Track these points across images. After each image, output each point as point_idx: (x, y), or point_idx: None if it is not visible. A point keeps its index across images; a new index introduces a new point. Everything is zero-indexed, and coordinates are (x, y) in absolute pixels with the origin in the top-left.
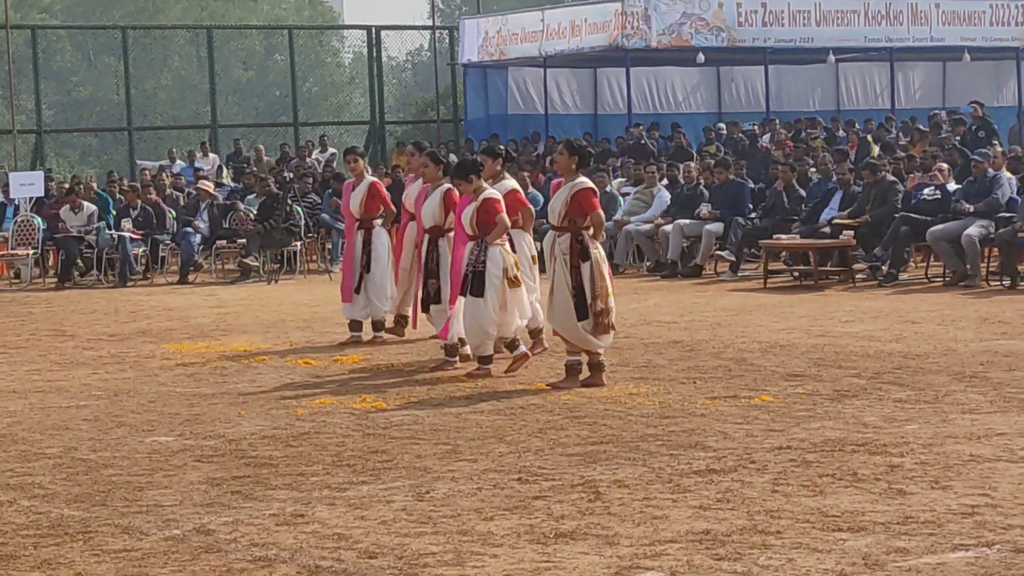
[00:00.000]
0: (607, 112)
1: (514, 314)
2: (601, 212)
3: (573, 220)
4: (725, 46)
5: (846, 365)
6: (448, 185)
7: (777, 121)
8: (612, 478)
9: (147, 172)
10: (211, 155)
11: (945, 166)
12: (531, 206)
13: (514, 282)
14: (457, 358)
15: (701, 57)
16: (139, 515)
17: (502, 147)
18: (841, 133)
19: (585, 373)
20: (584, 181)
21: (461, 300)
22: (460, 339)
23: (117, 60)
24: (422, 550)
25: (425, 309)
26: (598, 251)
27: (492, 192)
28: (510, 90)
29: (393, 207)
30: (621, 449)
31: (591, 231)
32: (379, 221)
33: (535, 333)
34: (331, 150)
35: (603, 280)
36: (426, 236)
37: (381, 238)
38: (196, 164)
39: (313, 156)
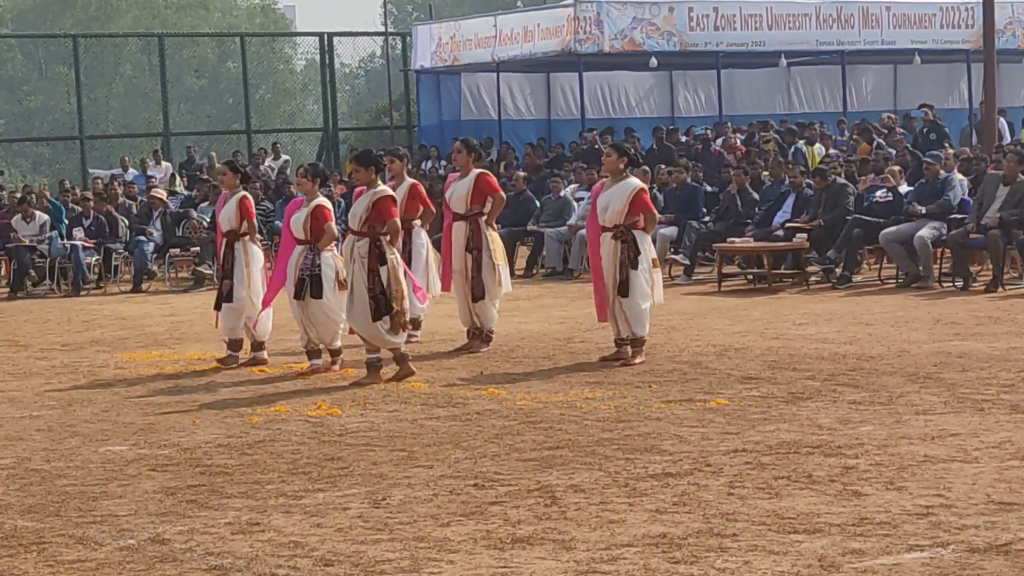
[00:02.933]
0: (560, 117)
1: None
2: (397, 221)
3: (372, 225)
4: (677, 50)
5: (800, 367)
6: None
7: (730, 125)
8: (568, 483)
9: (99, 181)
10: (164, 163)
11: (897, 168)
12: (431, 207)
13: (342, 285)
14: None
15: (654, 62)
16: (93, 525)
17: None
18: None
19: (394, 368)
20: (384, 189)
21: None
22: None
23: (68, 69)
24: (378, 557)
25: (218, 307)
26: (394, 256)
27: (323, 200)
28: (463, 96)
29: (433, 207)
30: (577, 454)
31: (388, 237)
32: (418, 222)
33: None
34: (284, 157)
35: (399, 283)
36: (224, 239)
37: (421, 237)
38: (149, 172)
39: (266, 163)
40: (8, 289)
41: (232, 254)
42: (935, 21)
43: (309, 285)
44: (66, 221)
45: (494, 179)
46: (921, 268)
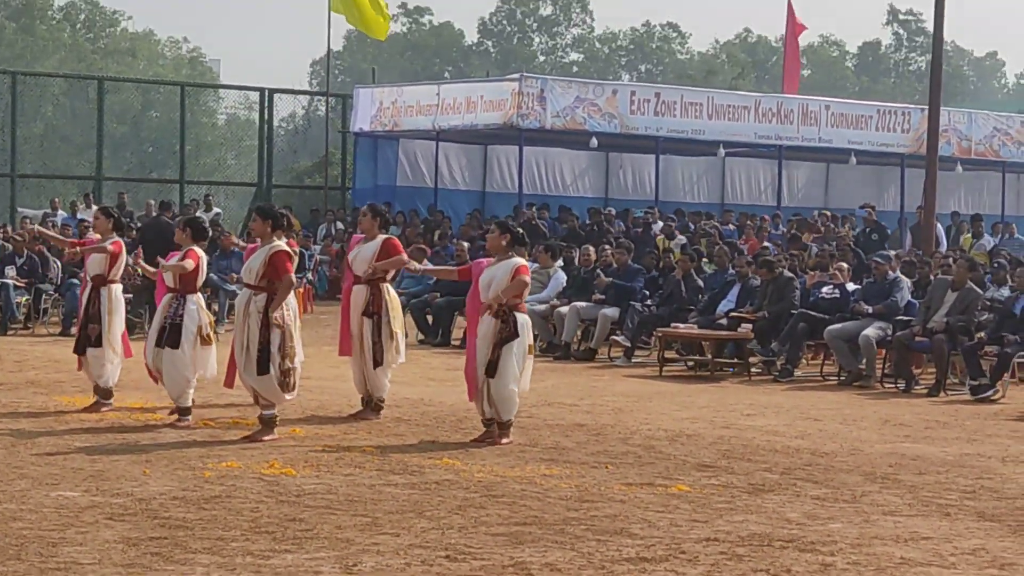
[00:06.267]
0: (495, 190)
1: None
2: (292, 277)
3: (270, 280)
4: (617, 132)
5: (755, 459)
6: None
7: (671, 212)
8: (543, 560)
9: (28, 220)
10: (94, 207)
11: (845, 266)
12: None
13: (206, 340)
14: (111, 401)
15: (594, 141)
16: (57, 572)
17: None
18: (731, 227)
19: (256, 426)
20: (280, 244)
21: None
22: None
23: None
24: None
25: (81, 351)
26: (290, 312)
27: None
28: (400, 162)
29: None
30: (546, 531)
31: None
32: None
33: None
34: (216, 209)
35: (291, 340)
36: (89, 284)
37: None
38: (79, 215)
39: (199, 214)
40: None
41: (99, 298)
42: (872, 123)
43: (168, 334)
44: None
45: (400, 244)
46: (864, 367)
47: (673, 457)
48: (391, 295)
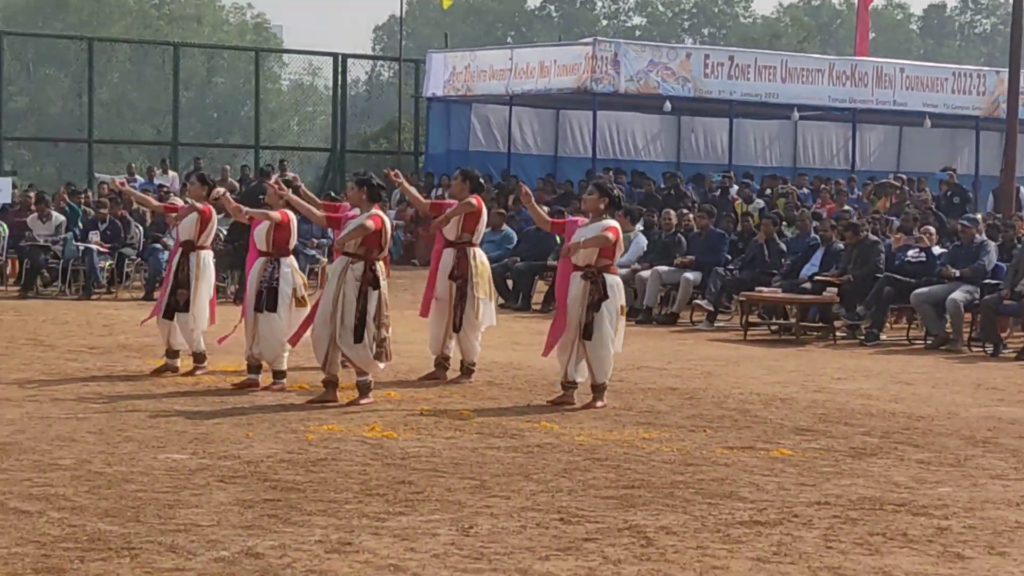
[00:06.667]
0: (567, 154)
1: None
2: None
3: (368, 248)
4: (691, 96)
5: (852, 423)
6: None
7: (741, 176)
8: (657, 524)
9: (105, 186)
10: (171, 172)
11: (932, 229)
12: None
13: (300, 302)
14: (205, 365)
15: (668, 105)
16: (179, 534)
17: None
18: (805, 190)
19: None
20: (378, 213)
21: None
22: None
23: (58, 71)
24: None
25: (169, 316)
26: (386, 283)
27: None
28: (472, 126)
29: None
30: (655, 495)
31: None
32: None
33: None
34: (291, 174)
35: (387, 310)
36: (179, 249)
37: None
38: (156, 181)
39: (273, 179)
40: (18, 288)
41: (188, 263)
42: (947, 86)
43: (265, 298)
44: (80, 224)
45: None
46: (951, 331)
47: (769, 421)
48: (479, 260)
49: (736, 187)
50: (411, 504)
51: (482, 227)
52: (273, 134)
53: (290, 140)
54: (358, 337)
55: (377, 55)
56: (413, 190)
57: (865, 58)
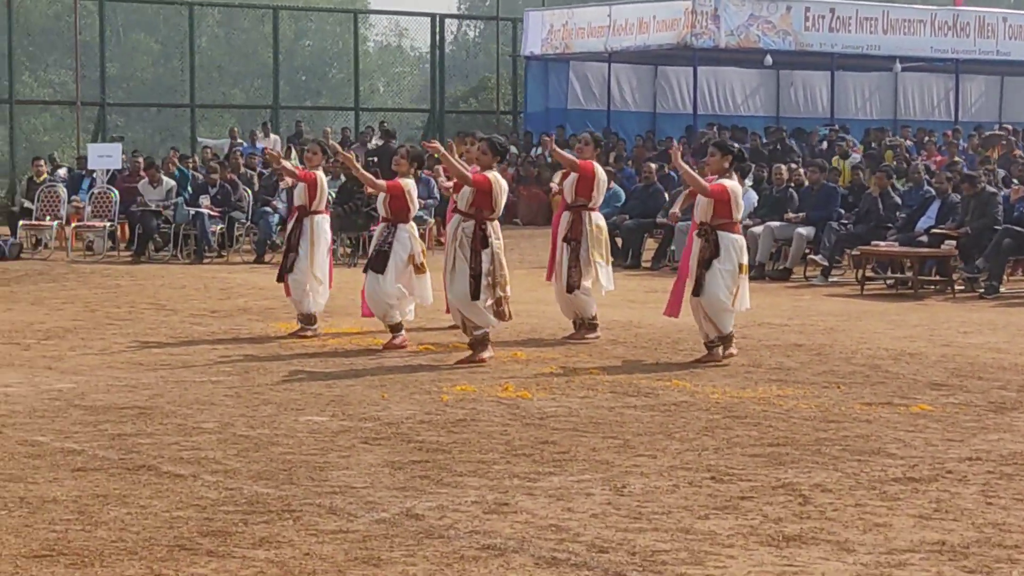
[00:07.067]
0: (666, 111)
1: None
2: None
3: (478, 208)
4: (792, 49)
5: (987, 377)
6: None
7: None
8: (811, 482)
9: (209, 150)
10: (272, 136)
11: None
12: None
13: (420, 268)
14: (316, 327)
15: (769, 60)
16: (336, 495)
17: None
18: (908, 142)
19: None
20: (496, 175)
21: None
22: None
23: (147, 36)
24: (651, 547)
25: (279, 278)
26: (499, 241)
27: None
28: (570, 84)
29: None
30: (802, 452)
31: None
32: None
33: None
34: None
35: (502, 268)
36: (295, 214)
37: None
38: (258, 144)
39: (373, 142)
40: (130, 253)
41: (300, 228)
42: None
43: (371, 260)
44: (189, 188)
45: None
46: None
47: (902, 376)
48: (594, 223)
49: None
50: (559, 464)
51: (600, 191)
52: (362, 96)
53: (377, 102)
54: (474, 295)
55: (475, 15)
56: (456, 163)
57: (967, 8)
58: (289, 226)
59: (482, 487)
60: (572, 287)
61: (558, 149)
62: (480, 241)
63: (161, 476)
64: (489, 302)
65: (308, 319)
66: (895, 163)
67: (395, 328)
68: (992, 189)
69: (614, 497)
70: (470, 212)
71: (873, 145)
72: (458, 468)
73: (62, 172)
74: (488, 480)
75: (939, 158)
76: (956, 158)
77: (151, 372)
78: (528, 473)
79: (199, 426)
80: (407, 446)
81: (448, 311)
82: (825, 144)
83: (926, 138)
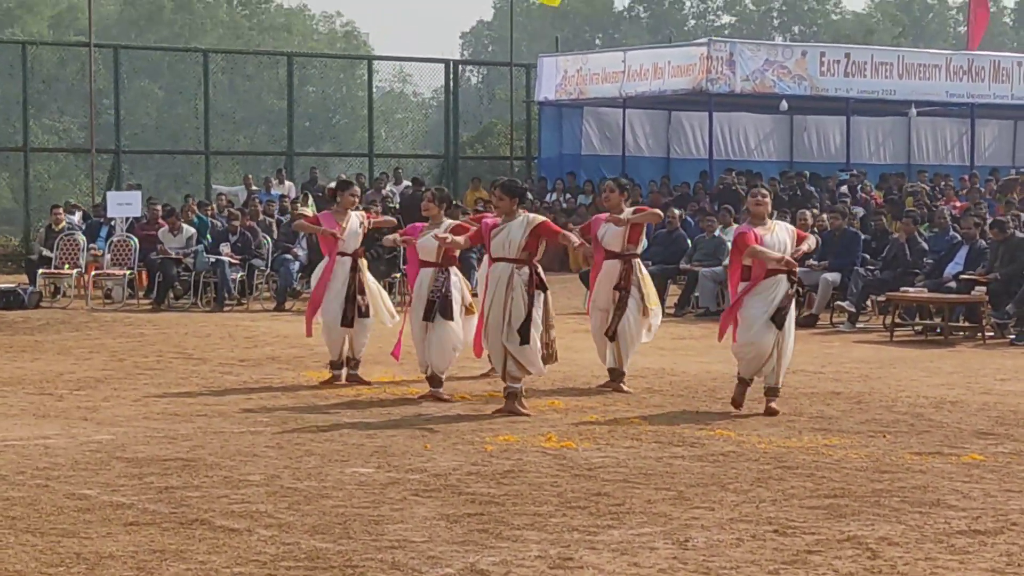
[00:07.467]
0: (680, 156)
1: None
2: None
3: (530, 253)
4: (807, 94)
5: None
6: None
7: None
8: (876, 535)
9: (224, 197)
10: (287, 183)
11: None
12: None
13: (469, 310)
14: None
15: (784, 104)
16: (396, 550)
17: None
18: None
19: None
20: (537, 216)
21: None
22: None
23: (151, 83)
24: None
25: (349, 324)
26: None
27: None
28: (584, 130)
29: None
30: (861, 504)
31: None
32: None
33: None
34: (405, 182)
35: (552, 313)
36: (339, 258)
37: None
38: (272, 192)
39: (387, 188)
40: (151, 301)
41: (357, 271)
42: None
43: (440, 307)
44: (208, 236)
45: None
46: None
47: (946, 425)
48: (643, 272)
49: (859, 186)
50: (617, 516)
51: (644, 238)
52: (363, 140)
53: (380, 147)
54: (524, 339)
55: (489, 61)
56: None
57: (982, 52)
58: (337, 271)
59: (543, 541)
60: (614, 334)
61: (640, 209)
62: (537, 285)
63: (215, 530)
64: (541, 346)
65: (338, 364)
66: (916, 208)
67: (438, 382)
68: (1021, 235)
69: (679, 551)
70: (521, 258)
71: (895, 191)
72: (515, 521)
73: (76, 218)
74: (547, 534)
75: (958, 203)
76: (979, 202)
77: (188, 423)
78: (587, 526)
79: (245, 478)
80: (459, 498)
81: (480, 355)
82: (845, 188)
83: (943, 183)
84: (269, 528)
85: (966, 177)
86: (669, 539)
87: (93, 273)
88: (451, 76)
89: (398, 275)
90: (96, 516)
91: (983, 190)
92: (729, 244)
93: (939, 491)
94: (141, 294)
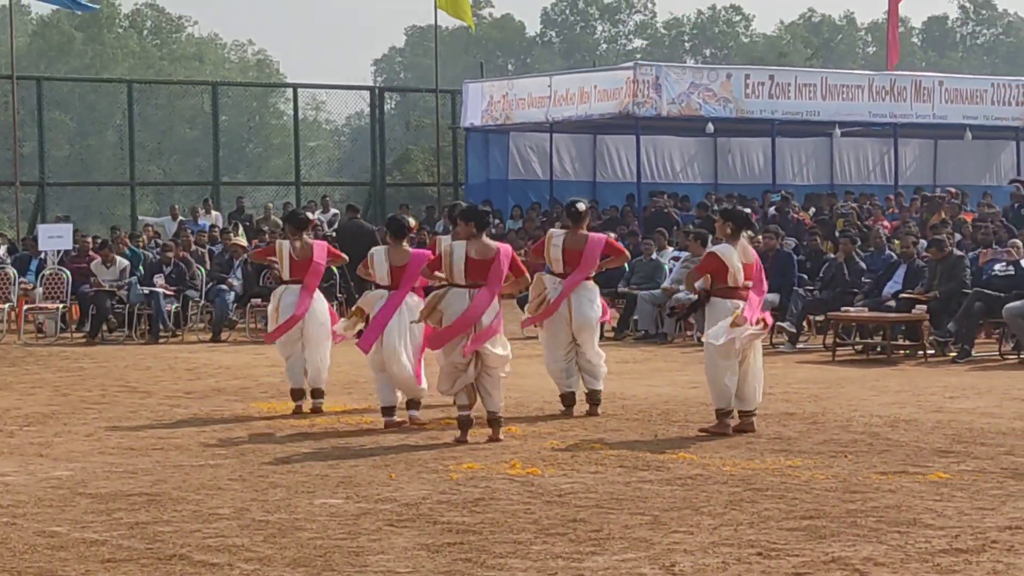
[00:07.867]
0: (606, 180)
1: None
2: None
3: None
4: (733, 117)
5: (989, 443)
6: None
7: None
8: (860, 556)
9: (150, 228)
10: (214, 212)
11: (1019, 243)
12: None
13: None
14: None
15: (710, 127)
16: None
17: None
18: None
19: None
20: (504, 245)
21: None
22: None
23: (63, 115)
24: None
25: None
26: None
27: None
28: (511, 155)
29: None
30: (839, 525)
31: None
32: None
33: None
34: (333, 210)
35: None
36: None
37: None
38: (200, 221)
39: (315, 215)
40: (84, 334)
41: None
42: (987, 97)
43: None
44: (141, 268)
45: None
46: None
47: (905, 444)
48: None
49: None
50: (598, 543)
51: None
52: (279, 169)
53: (292, 175)
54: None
55: (412, 88)
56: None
57: (904, 72)
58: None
59: (528, 569)
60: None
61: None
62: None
63: (196, 565)
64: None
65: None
66: (847, 229)
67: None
68: (959, 253)
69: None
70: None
71: (825, 211)
72: (496, 549)
73: (1, 251)
74: (532, 561)
75: (887, 223)
76: (908, 221)
77: (145, 457)
78: (570, 553)
79: (215, 512)
80: (434, 527)
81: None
82: (772, 209)
83: (868, 203)
84: (249, 562)
85: (891, 196)
86: (655, 564)
87: (25, 307)
88: (376, 103)
89: (334, 303)
90: (71, 554)
91: (909, 207)
92: (666, 267)
93: (913, 510)
94: (74, 327)
